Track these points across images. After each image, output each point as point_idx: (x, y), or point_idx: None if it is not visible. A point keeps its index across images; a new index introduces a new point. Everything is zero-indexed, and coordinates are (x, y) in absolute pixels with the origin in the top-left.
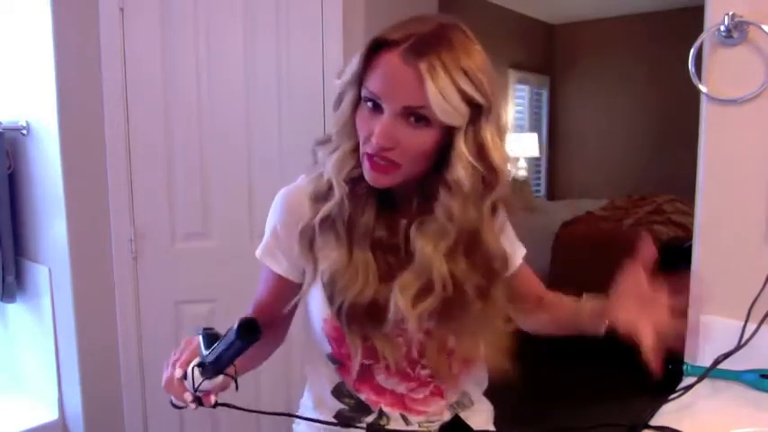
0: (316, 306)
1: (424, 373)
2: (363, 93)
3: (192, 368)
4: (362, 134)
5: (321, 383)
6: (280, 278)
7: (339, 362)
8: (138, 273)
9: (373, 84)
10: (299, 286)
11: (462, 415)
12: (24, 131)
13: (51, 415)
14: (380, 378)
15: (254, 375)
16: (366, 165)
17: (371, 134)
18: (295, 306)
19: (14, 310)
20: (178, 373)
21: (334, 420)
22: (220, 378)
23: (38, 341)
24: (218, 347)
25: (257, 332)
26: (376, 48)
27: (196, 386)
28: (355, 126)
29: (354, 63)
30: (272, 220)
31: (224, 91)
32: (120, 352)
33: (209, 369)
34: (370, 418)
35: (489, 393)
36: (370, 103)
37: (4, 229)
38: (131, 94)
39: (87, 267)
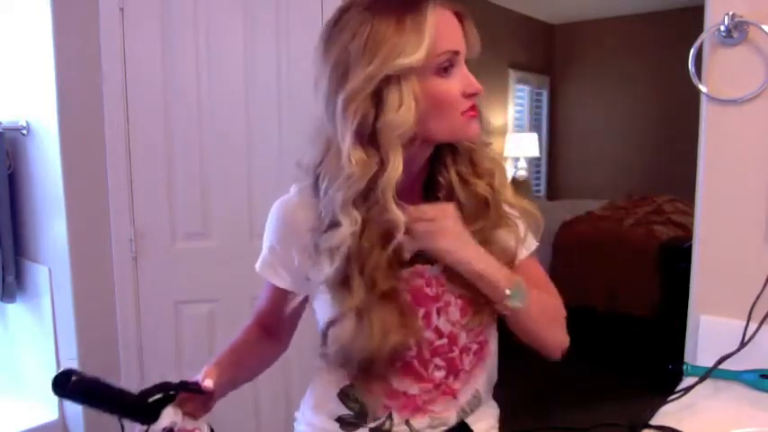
0: (321, 310)
1: (438, 374)
2: (441, 59)
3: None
4: (452, 100)
5: (327, 386)
6: (281, 290)
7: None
8: (138, 273)
9: (449, 42)
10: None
11: (468, 420)
12: (24, 131)
13: (51, 415)
14: (393, 381)
15: (252, 381)
16: (467, 120)
17: (462, 91)
18: (299, 314)
19: (14, 310)
20: None
21: (335, 424)
22: (169, 411)
23: (38, 341)
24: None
25: (63, 384)
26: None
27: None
28: (417, 117)
29: (424, 35)
30: (268, 235)
31: (224, 91)
32: (120, 352)
33: (125, 417)
34: (373, 424)
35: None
36: (444, 67)
37: (4, 229)
38: (131, 94)
39: (87, 267)
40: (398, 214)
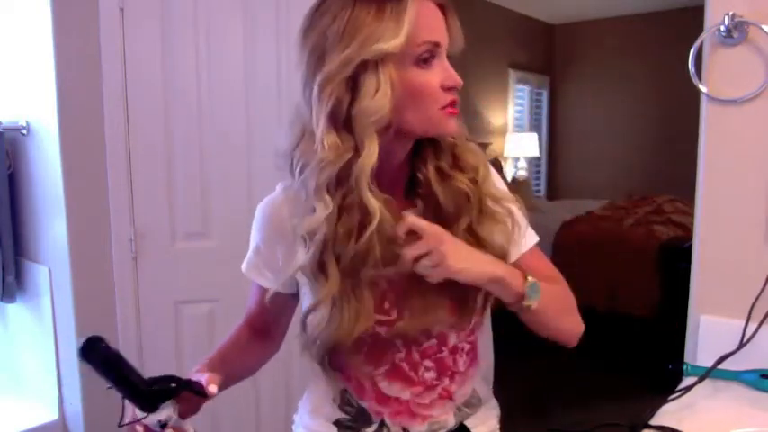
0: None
1: (429, 375)
2: (421, 49)
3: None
4: (430, 92)
5: (323, 389)
6: (266, 290)
7: (338, 368)
8: (138, 273)
9: (430, 33)
10: (287, 296)
11: (469, 422)
12: (24, 131)
13: (51, 415)
14: (383, 385)
15: (252, 380)
16: (447, 115)
17: (441, 84)
18: (289, 316)
19: (14, 310)
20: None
21: (333, 428)
22: (168, 405)
23: (38, 341)
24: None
25: (92, 349)
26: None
27: (140, 418)
28: (393, 105)
29: (403, 22)
30: (253, 236)
31: (224, 91)
32: (119, 352)
33: (132, 401)
34: (369, 430)
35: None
36: (424, 59)
37: (4, 229)
38: (131, 94)
39: (87, 267)
40: (373, 202)
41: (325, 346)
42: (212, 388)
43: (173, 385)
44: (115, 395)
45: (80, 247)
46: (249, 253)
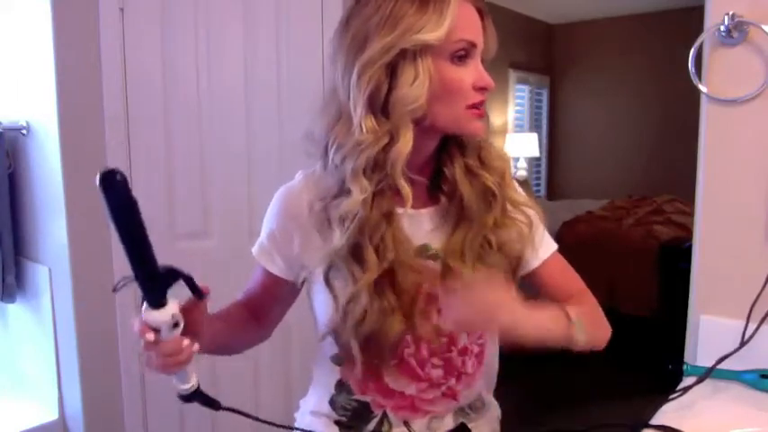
0: (320, 304)
1: (436, 373)
2: (457, 46)
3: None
4: (463, 89)
5: (324, 389)
6: (274, 276)
7: (345, 360)
8: None
9: (468, 32)
10: (293, 285)
11: (469, 422)
12: (24, 131)
13: (51, 415)
14: (389, 379)
15: (252, 377)
16: (472, 116)
17: (473, 84)
18: (286, 306)
19: (14, 310)
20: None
21: (335, 427)
22: (171, 306)
23: (38, 341)
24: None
25: (113, 177)
26: None
27: (143, 315)
28: (425, 98)
29: (446, 17)
30: (269, 220)
31: (224, 91)
32: (120, 351)
33: (137, 275)
34: (371, 424)
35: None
36: (459, 56)
37: (4, 229)
38: (131, 95)
39: (87, 267)
40: (407, 188)
41: (364, 335)
42: (195, 346)
43: (177, 272)
44: (114, 395)
45: (80, 247)
46: (261, 238)
